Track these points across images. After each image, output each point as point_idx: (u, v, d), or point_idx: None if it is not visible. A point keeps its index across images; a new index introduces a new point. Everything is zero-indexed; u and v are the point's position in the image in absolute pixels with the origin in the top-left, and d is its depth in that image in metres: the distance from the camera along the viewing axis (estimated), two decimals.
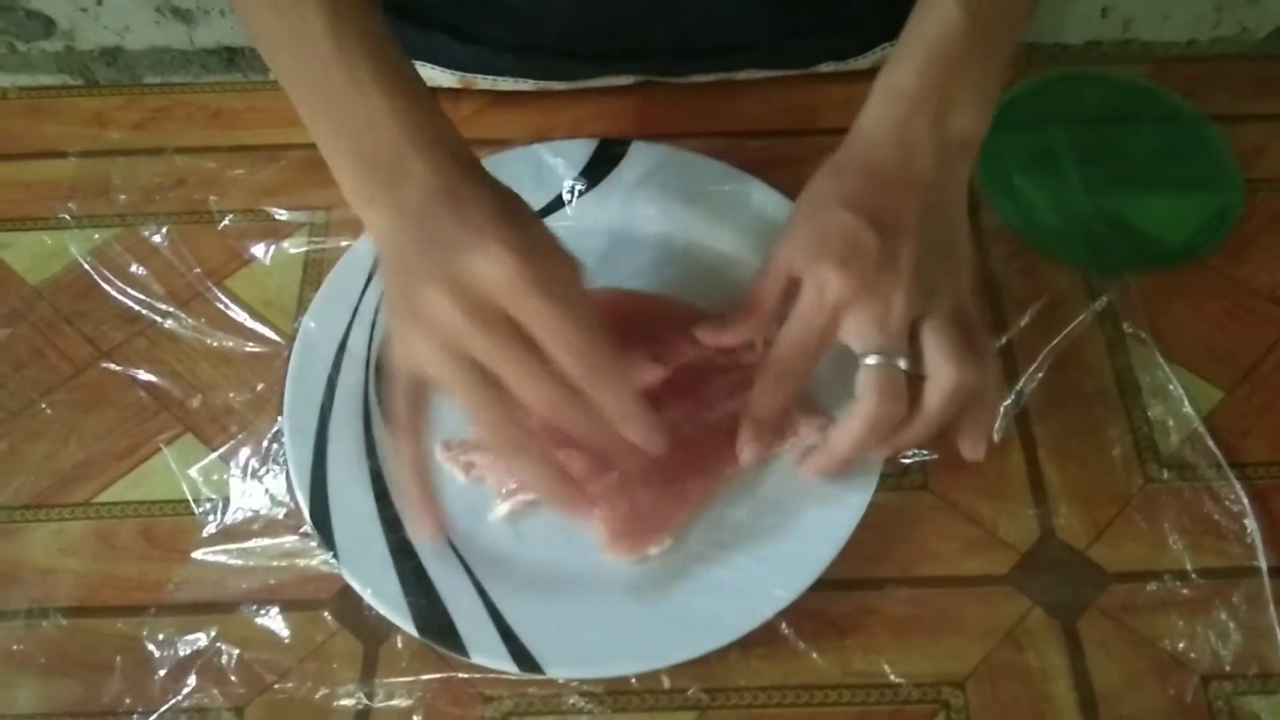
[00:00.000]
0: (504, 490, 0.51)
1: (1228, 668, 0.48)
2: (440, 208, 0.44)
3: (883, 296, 0.46)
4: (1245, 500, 0.52)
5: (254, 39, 0.50)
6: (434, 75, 0.66)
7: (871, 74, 0.66)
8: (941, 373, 0.47)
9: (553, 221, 0.60)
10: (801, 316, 0.47)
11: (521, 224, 0.44)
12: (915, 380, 0.47)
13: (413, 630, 0.47)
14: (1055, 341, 0.57)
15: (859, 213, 0.46)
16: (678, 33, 0.64)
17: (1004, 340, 0.57)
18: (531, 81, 0.66)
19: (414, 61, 0.64)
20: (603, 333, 0.44)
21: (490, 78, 0.65)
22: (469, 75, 0.65)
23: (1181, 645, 0.49)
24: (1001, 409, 0.54)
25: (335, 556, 0.49)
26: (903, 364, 0.47)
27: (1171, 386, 0.55)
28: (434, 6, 0.62)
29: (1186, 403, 0.55)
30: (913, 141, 0.48)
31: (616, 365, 0.45)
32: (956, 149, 0.49)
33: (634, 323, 0.56)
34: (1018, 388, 0.56)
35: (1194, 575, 0.51)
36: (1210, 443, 0.54)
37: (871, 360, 0.47)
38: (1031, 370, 0.56)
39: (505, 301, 0.42)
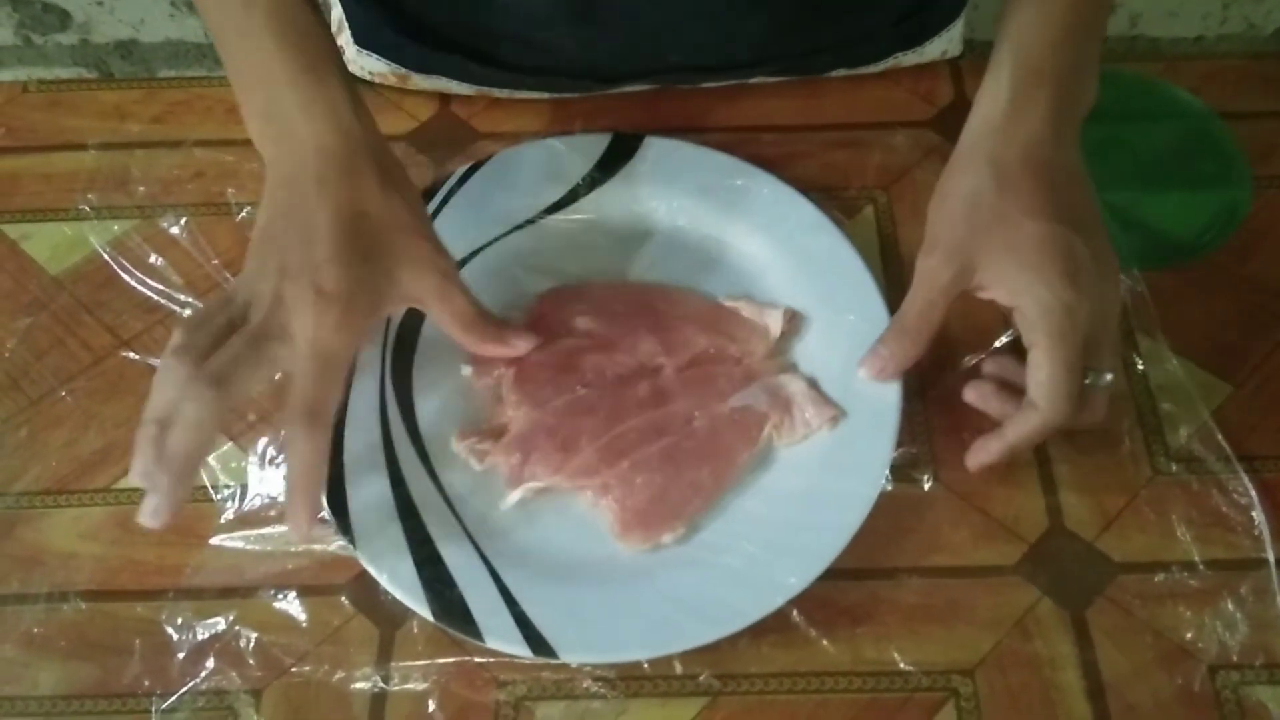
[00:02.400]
0: (514, 478, 0.52)
1: (1235, 658, 0.49)
2: (294, 204, 0.47)
3: (1111, 308, 0.47)
4: (1253, 493, 0.52)
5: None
6: (450, 85, 0.66)
7: (884, 76, 0.67)
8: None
9: (566, 215, 0.61)
10: (1059, 347, 0.46)
11: (350, 259, 0.47)
12: None
13: (428, 615, 0.48)
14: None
15: (1053, 218, 0.46)
16: (690, 54, 0.64)
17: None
18: (546, 94, 0.67)
19: (430, 75, 0.66)
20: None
21: (505, 90, 0.66)
22: (485, 89, 0.66)
23: (1189, 635, 0.49)
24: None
25: (352, 542, 0.50)
26: (1110, 378, 0.49)
27: (1180, 381, 0.56)
28: (450, 31, 0.63)
29: (1195, 397, 0.55)
30: (1061, 127, 0.47)
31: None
32: (1083, 119, 0.49)
33: (646, 314, 0.57)
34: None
35: (1202, 567, 0.51)
36: (1219, 436, 0.54)
37: (1090, 380, 0.48)
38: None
39: (287, 367, 0.46)
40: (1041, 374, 0.47)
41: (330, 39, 0.52)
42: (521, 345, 0.53)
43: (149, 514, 0.44)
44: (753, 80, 0.67)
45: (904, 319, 0.51)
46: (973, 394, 0.52)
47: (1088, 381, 0.48)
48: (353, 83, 0.51)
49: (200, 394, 0.43)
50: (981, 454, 0.51)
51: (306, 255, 0.46)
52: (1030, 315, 0.47)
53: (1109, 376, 0.49)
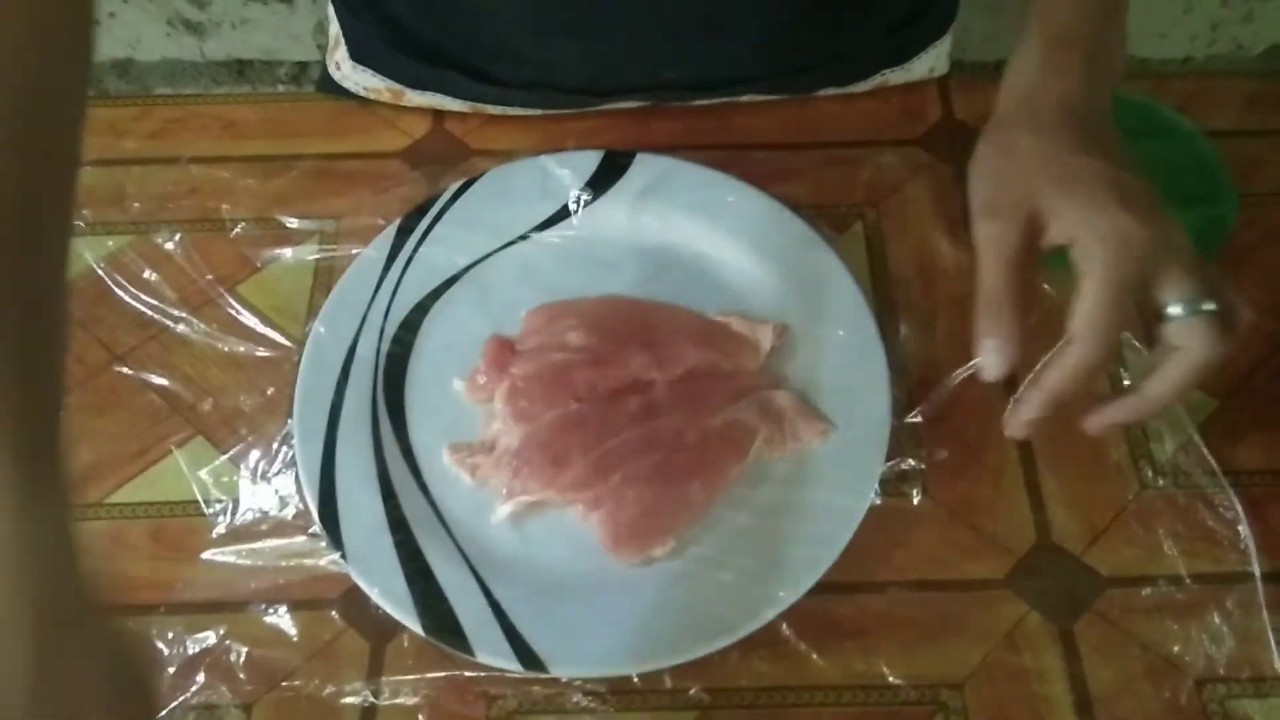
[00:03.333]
0: (505, 492, 0.52)
1: (1221, 671, 0.49)
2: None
3: (1176, 237, 0.44)
4: (1239, 507, 0.53)
5: None
6: (444, 102, 0.67)
7: (873, 95, 0.68)
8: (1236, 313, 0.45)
9: (558, 231, 0.61)
10: (1111, 273, 0.43)
11: None
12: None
13: (419, 629, 0.48)
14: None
15: (1099, 155, 0.44)
16: (683, 71, 0.65)
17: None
18: (540, 110, 0.67)
19: (424, 92, 0.65)
20: None
21: (500, 108, 0.67)
22: (479, 105, 0.67)
23: (1176, 649, 0.50)
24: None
25: (343, 556, 0.50)
26: (1212, 305, 0.44)
27: None
28: (446, 46, 0.64)
29: (1181, 411, 0.56)
30: (1093, 89, 0.47)
31: None
32: (1114, 84, 0.49)
33: (638, 329, 0.57)
34: (1016, 396, 0.56)
35: (1188, 580, 0.51)
36: (1205, 451, 0.54)
37: (1181, 310, 0.43)
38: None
39: None
40: (1086, 303, 0.43)
41: None
42: None
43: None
44: (743, 99, 0.67)
45: (987, 300, 0.45)
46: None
47: (1177, 311, 0.43)
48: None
49: None
50: (1025, 411, 0.47)
51: None
52: (1087, 244, 0.43)
53: (1209, 305, 0.44)
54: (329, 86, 0.69)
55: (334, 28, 0.68)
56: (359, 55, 0.66)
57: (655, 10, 0.61)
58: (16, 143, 0.35)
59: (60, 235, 0.37)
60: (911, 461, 0.54)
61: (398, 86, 0.67)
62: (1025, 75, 0.49)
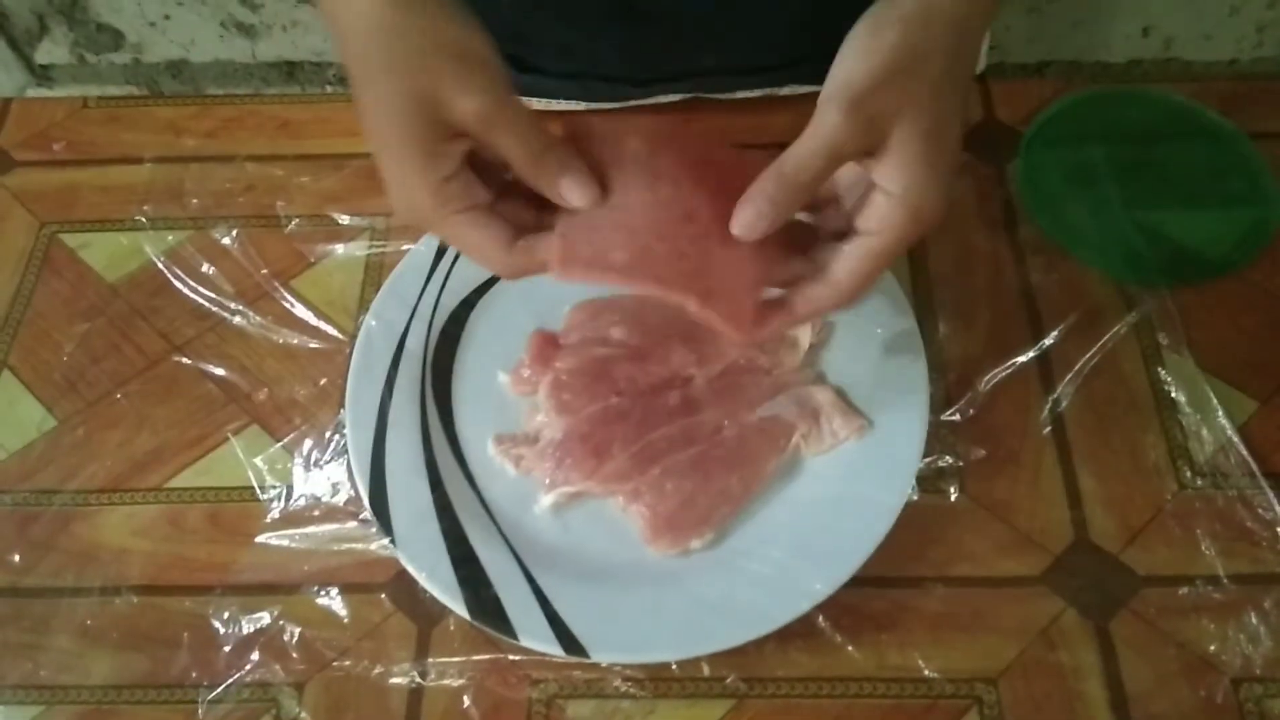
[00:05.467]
0: (548, 482, 0.54)
1: (1258, 671, 0.49)
2: (355, 73, 0.43)
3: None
4: (1278, 508, 0.53)
5: None
6: None
7: None
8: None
9: None
10: (895, 242, 0.43)
11: (402, 109, 0.41)
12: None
13: (464, 613, 0.50)
14: (1092, 351, 0.58)
15: (954, 110, 0.43)
16: (724, 56, 0.66)
17: (1042, 349, 0.58)
18: (584, 103, 0.68)
19: None
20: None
21: (544, 100, 0.68)
22: (523, 99, 0.68)
23: (1212, 648, 0.50)
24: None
25: (393, 542, 0.51)
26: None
27: (1206, 396, 0.56)
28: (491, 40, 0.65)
29: (1221, 412, 0.56)
30: (976, 16, 0.43)
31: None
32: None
33: (678, 325, 0.58)
34: (1054, 395, 0.57)
35: (1226, 580, 0.51)
36: (1244, 452, 0.55)
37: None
38: (1068, 379, 0.57)
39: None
40: (858, 256, 0.44)
41: None
42: (574, 195, 0.44)
43: None
44: (783, 91, 0.68)
45: (785, 173, 0.43)
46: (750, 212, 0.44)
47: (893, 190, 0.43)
48: None
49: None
50: (764, 325, 0.46)
51: (376, 129, 0.43)
52: (889, 203, 0.43)
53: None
54: None
55: None
56: None
57: None
58: None
59: None
60: (949, 459, 0.55)
61: None
62: None
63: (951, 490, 0.54)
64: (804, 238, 0.47)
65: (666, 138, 0.47)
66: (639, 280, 0.44)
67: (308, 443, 0.57)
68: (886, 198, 0.43)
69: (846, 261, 0.44)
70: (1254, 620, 0.50)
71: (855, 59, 0.43)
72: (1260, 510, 0.53)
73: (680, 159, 0.47)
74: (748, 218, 0.43)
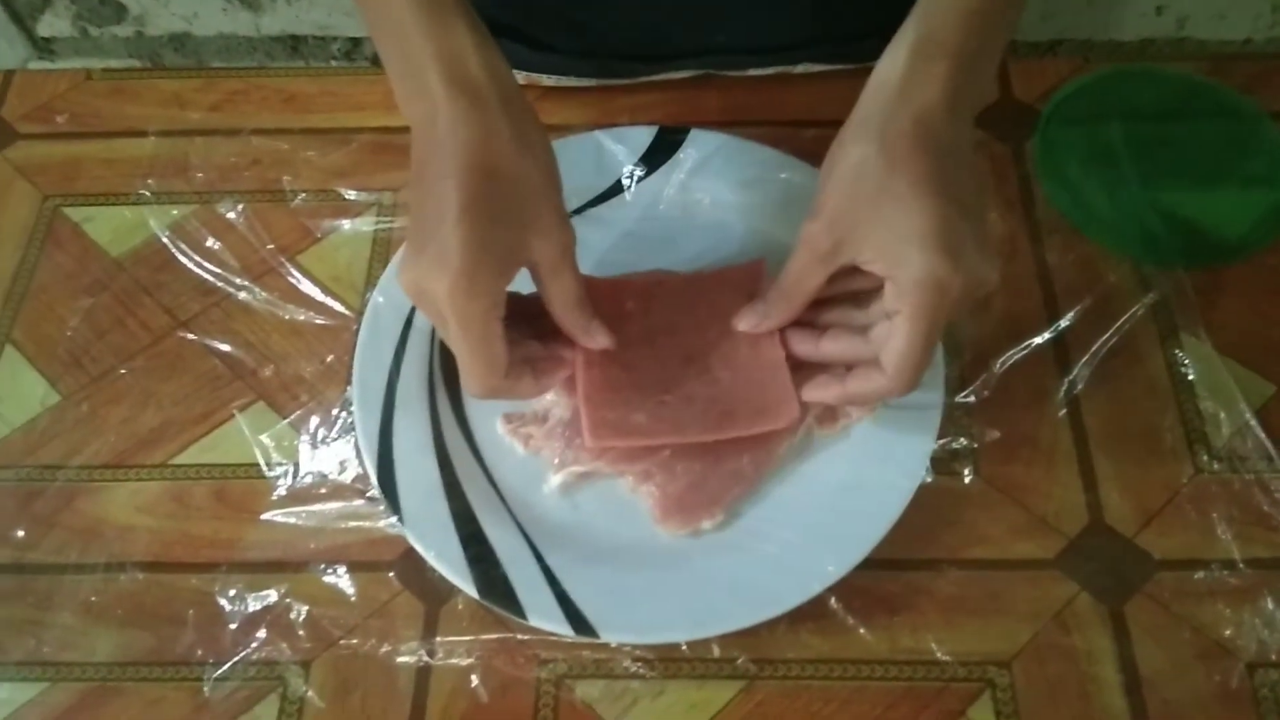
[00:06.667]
0: (557, 462, 0.53)
1: (1273, 656, 0.49)
2: (426, 167, 0.46)
3: (981, 291, 0.45)
4: None
5: None
6: None
7: None
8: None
9: (612, 206, 0.62)
10: (922, 320, 0.44)
11: (476, 221, 0.44)
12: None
13: (473, 592, 0.49)
14: (1109, 333, 0.57)
15: (939, 194, 0.44)
16: (736, 34, 0.65)
17: (1057, 330, 0.57)
18: (595, 80, 0.68)
19: None
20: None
21: (555, 76, 0.67)
22: (534, 74, 0.67)
23: (1228, 633, 0.49)
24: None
25: (400, 520, 0.51)
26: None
27: (1223, 379, 0.56)
28: (504, 17, 0.64)
29: (1238, 396, 0.55)
30: (957, 104, 0.45)
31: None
32: (979, 107, 0.48)
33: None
34: (1070, 377, 0.56)
35: (1242, 565, 0.51)
36: (1262, 435, 0.54)
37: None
38: (1084, 360, 0.57)
39: (443, 308, 0.45)
40: (900, 343, 0.45)
41: None
42: (600, 340, 0.50)
43: None
44: (798, 69, 0.67)
45: (782, 281, 0.50)
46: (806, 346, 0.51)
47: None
48: (483, 29, 0.47)
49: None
50: (819, 391, 0.50)
51: (436, 225, 0.44)
52: (902, 285, 0.44)
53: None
54: None
55: None
56: None
57: None
58: None
59: None
60: (964, 440, 0.54)
61: None
62: (890, 76, 0.46)
63: (966, 472, 0.54)
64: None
65: (656, 289, 0.55)
66: (661, 436, 0.51)
67: (314, 420, 0.57)
68: (889, 281, 0.45)
69: (884, 339, 0.46)
70: (1270, 605, 0.50)
71: (827, 174, 0.47)
72: (1277, 495, 0.52)
73: (671, 305, 0.54)
74: (749, 323, 0.52)
